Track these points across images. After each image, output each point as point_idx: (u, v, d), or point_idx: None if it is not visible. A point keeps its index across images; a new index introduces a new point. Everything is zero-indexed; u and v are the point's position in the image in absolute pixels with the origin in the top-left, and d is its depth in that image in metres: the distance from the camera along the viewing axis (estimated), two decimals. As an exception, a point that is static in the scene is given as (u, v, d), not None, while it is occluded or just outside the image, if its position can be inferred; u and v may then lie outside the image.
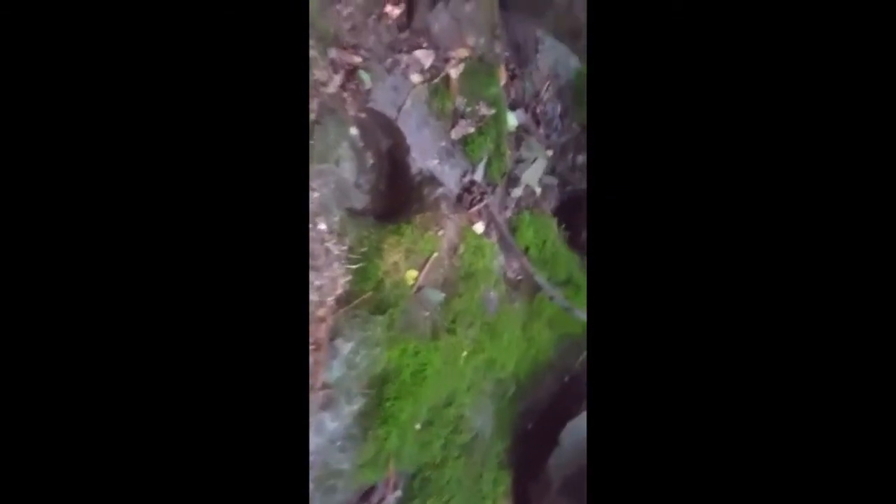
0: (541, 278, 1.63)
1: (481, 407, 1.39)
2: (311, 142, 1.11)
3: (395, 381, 1.19)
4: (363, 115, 1.37)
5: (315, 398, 1.08)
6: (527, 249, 1.66)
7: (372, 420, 1.16)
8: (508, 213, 1.72)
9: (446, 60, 1.48)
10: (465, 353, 1.33)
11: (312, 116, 1.12)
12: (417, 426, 1.25)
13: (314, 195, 1.13)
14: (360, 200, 1.32)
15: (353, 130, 1.37)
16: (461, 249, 1.41)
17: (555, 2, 1.86)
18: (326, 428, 1.12)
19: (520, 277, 1.71)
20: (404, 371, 1.21)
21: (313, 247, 1.11)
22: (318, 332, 1.10)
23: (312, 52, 1.10)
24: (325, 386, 1.11)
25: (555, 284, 1.60)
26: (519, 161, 1.76)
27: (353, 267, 1.18)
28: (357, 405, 1.15)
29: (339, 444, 1.10)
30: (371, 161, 1.40)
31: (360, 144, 1.37)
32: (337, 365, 1.13)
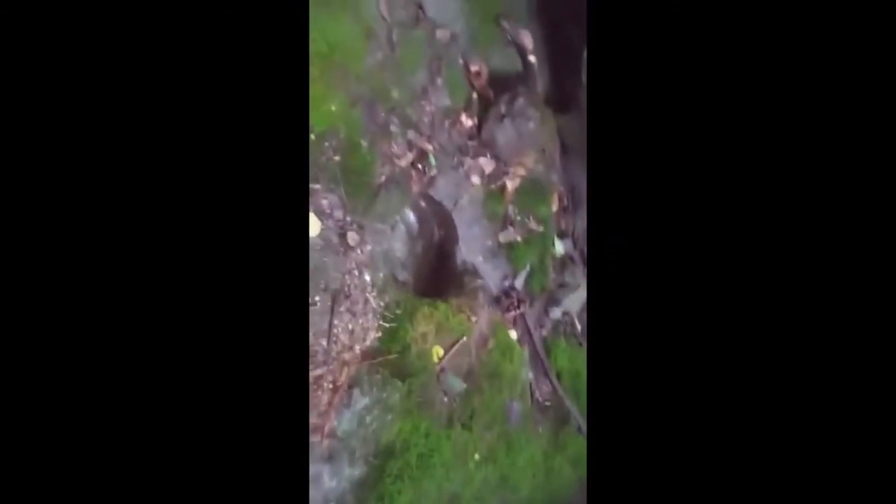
0: (572, 406, 1.68)
1: (486, 526, 1.36)
2: (375, 202, 1.35)
3: (400, 459, 1.23)
4: (423, 204, 1.63)
5: (319, 447, 1.13)
6: (559, 376, 1.73)
7: (369, 493, 1.18)
8: (544, 333, 1.83)
9: (505, 173, 1.76)
10: (476, 456, 1.35)
11: (381, 180, 1.37)
12: (414, 521, 1.23)
13: (367, 248, 1.33)
14: (404, 276, 1.50)
15: (411, 216, 1.61)
16: (490, 344, 1.53)
17: None
18: (323, 483, 1.15)
19: (548, 403, 1.76)
20: (412, 450, 1.26)
21: (354, 294, 1.27)
22: (339, 376, 1.20)
23: (394, 129, 1.41)
24: (331, 434, 1.17)
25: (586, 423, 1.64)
26: (561, 285, 1.92)
27: (386, 325, 1.31)
28: (358, 471, 1.18)
29: None
30: (420, 248, 1.61)
31: (415, 230, 1.60)
32: (348, 417, 1.21)
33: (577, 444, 1.65)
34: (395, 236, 1.61)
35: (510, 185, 1.86)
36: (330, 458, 1.19)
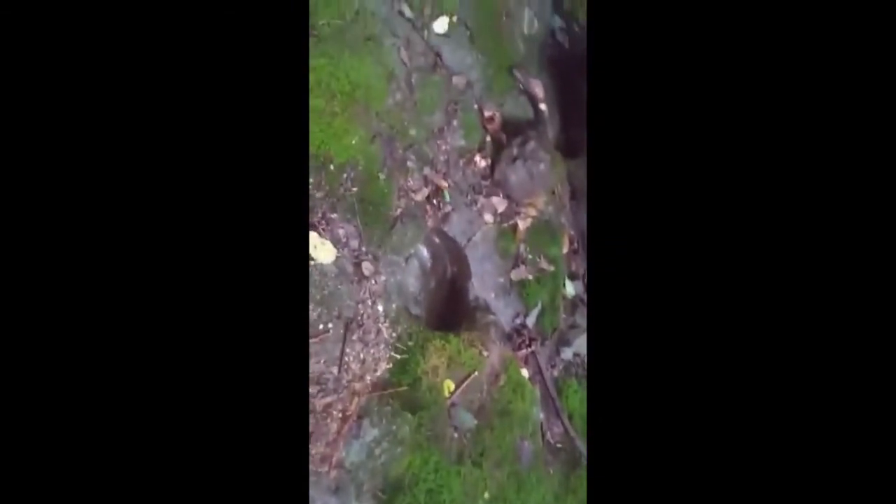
0: (584, 448, 1.67)
1: (495, 570, 1.34)
2: (391, 234, 1.41)
3: (408, 494, 1.23)
4: (436, 240, 1.68)
5: (327, 478, 1.14)
6: (570, 417, 1.74)
7: (375, 528, 1.17)
8: (555, 373, 1.84)
9: (517, 212, 1.83)
10: (486, 495, 1.35)
11: (397, 213, 1.43)
12: (421, 560, 1.22)
13: (381, 279, 1.37)
14: (417, 311, 1.54)
15: (425, 252, 1.66)
16: (502, 380, 1.54)
17: None
18: (328, 514, 1.14)
19: (560, 445, 1.75)
20: (421, 485, 1.26)
21: (367, 323, 1.31)
22: (349, 405, 1.22)
23: (410, 164, 1.48)
24: (339, 465, 1.17)
25: None
26: (572, 326, 1.95)
27: (397, 356, 1.34)
28: (365, 505, 1.18)
29: None
30: (433, 283, 1.65)
31: (428, 266, 1.65)
32: (357, 448, 1.21)
33: (590, 490, 1.62)
34: (409, 271, 1.65)
35: (522, 224, 1.91)
36: (337, 489, 1.19)
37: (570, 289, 2.02)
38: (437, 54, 1.81)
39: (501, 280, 1.78)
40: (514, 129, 1.93)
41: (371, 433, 1.25)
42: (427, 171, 1.63)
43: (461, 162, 1.78)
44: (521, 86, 2.02)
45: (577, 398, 1.78)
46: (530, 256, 1.86)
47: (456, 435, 1.40)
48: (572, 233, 2.15)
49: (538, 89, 2.04)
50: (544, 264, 1.87)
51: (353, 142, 1.43)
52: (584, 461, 1.67)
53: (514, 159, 1.84)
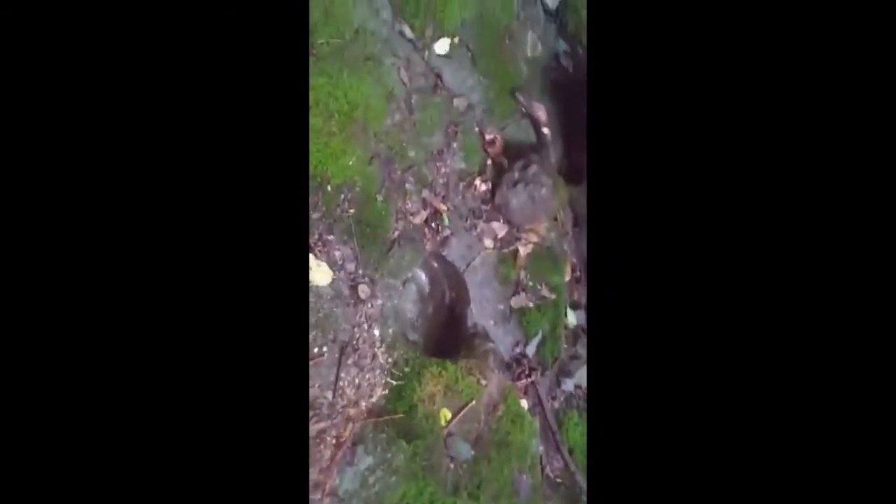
0: (582, 480, 1.64)
1: None
2: (388, 257, 1.41)
3: (402, 526, 1.21)
4: (435, 264, 1.68)
5: None
6: (571, 451, 1.71)
7: (366, 562, 1.15)
8: (556, 405, 1.82)
9: (518, 238, 1.83)
10: (485, 530, 1.32)
11: (395, 235, 1.44)
12: None
13: (377, 302, 1.37)
14: (414, 337, 1.53)
15: (423, 276, 1.66)
16: (500, 411, 1.52)
17: None
18: (318, 546, 1.12)
19: (559, 480, 1.72)
20: (415, 517, 1.23)
21: (363, 348, 1.30)
22: (343, 431, 1.20)
23: (409, 187, 1.49)
24: (332, 493, 1.15)
25: None
26: (574, 357, 1.94)
27: (393, 382, 1.32)
28: (356, 536, 1.16)
29: None
30: (431, 308, 1.65)
31: (426, 291, 1.65)
32: (351, 476, 1.19)
33: (591, 527, 1.58)
34: (406, 296, 1.64)
35: (523, 250, 1.91)
36: (328, 520, 1.16)
37: (572, 318, 2.01)
38: (438, 75, 1.84)
39: (501, 307, 1.77)
40: (515, 153, 1.95)
41: (365, 461, 1.23)
42: (426, 193, 1.64)
43: (461, 185, 1.79)
44: (523, 109, 2.04)
45: (577, 431, 1.75)
46: (531, 283, 1.86)
47: (452, 465, 1.38)
48: (574, 261, 2.15)
49: (541, 113, 2.06)
50: (545, 292, 1.87)
51: (351, 162, 1.44)
52: (584, 497, 1.63)
53: (516, 183, 1.85)
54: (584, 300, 2.15)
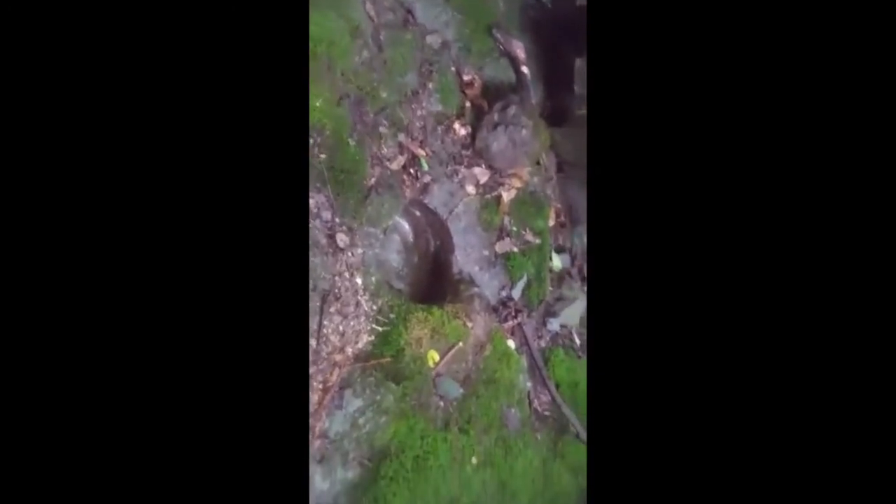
0: (571, 415, 1.70)
1: (485, 535, 1.37)
2: (366, 205, 1.40)
3: (395, 461, 1.26)
4: (417, 213, 1.68)
5: (311, 448, 1.16)
6: (557, 386, 1.76)
7: (363, 495, 1.20)
8: (542, 344, 1.86)
9: (500, 183, 1.82)
10: (474, 460, 1.38)
11: (371, 182, 1.42)
12: (409, 527, 1.25)
13: (357, 251, 1.38)
14: (399, 286, 1.58)
15: (406, 225, 1.66)
16: (487, 351, 1.56)
17: None
18: (316, 486, 1.17)
19: (547, 412, 1.78)
20: (407, 452, 1.28)
21: (345, 296, 1.32)
22: (330, 376, 1.23)
23: (383, 130, 1.46)
24: (322, 435, 1.19)
25: (585, 430, 1.66)
26: (559, 299, 1.96)
27: (379, 329, 1.35)
28: (352, 473, 1.21)
29: None
30: (416, 258, 1.65)
31: (410, 240, 1.65)
32: (340, 419, 1.23)
33: (577, 453, 1.66)
34: (390, 246, 1.65)
35: (506, 195, 1.92)
36: (322, 459, 1.21)
37: (557, 262, 2.04)
38: (409, 10, 1.76)
39: (486, 253, 1.78)
40: (494, 94, 1.91)
41: (354, 403, 1.27)
42: (402, 137, 1.60)
43: (439, 129, 1.76)
44: (501, 47, 1.98)
45: (563, 367, 1.81)
46: (515, 229, 1.87)
47: (441, 404, 1.43)
48: (559, 205, 2.16)
49: (519, 51, 2.01)
50: (530, 237, 1.88)
51: (318, 104, 1.40)
52: (571, 428, 1.70)
53: (496, 126, 1.83)
54: (568, 244, 2.17)
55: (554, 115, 2.09)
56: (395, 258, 1.61)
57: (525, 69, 2.01)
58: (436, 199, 1.70)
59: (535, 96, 2.03)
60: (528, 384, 1.73)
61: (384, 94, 1.55)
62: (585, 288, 2.07)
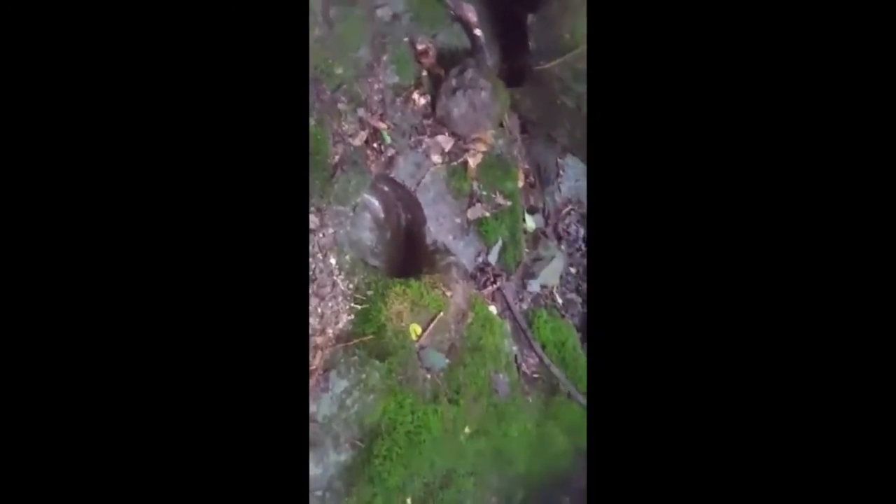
0: (558, 371, 1.67)
1: (485, 502, 1.33)
2: (332, 183, 1.33)
3: (387, 438, 1.21)
4: (385, 188, 1.61)
5: None
6: (543, 347, 1.73)
7: (358, 476, 1.15)
8: (524, 306, 1.82)
9: (465, 150, 1.76)
10: (467, 430, 1.33)
11: (335, 160, 1.35)
12: (408, 501, 1.20)
13: (328, 231, 1.31)
14: (374, 262, 1.53)
15: (375, 202, 1.59)
16: (469, 318, 1.51)
17: (573, 135, 2.15)
18: (308, 471, 1.11)
19: (536, 375, 1.75)
20: (399, 428, 1.23)
21: (321, 277, 1.25)
22: (313, 360, 1.17)
23: (342, 107, 1.39)
24: (311, 420, 1.13)
25: (577, 390, 1.63)
26: (536, 259, 1.93)
27: (357, 307, 1.29)
28: (344, 455, 1.15)
29: (318, 494, 1.08)
30: (389, 234, 1.59)
31: (381, 216, 1.58)
32: (327, 401, 1.18)
33: (570, 413, 1.64)
34: (362, 224, 1.59)
35: (472, 161, 1.86)
36: (313, 444, 1.16)
37: (531, 222, 2.00)
38: None
39: (458, 221, 1.74)
40: (450, 61, 1.84)
41: (340, 384, 1.22)
42: (361, 112, 1.54)
43: (398, 100, 1.70)
44: (452, 13, 1.91)
45: (548, 328, 1.78)
46: (485, 193, 1.82)
47: (429, 376, 1.38)
48: (527, 167, 2.11)
49: (471, 14, 1.94)
50: (500, 200, 1.84)
51: (275, 86, 1.32)
52: (562, 388, 1.68)
53: (454, 91, 1.76)
54: (540, 204, 2.13)
55: (512, 76, 2.03)
56: (367, 236, 1.56)
57: (478, 32, 1.94)
58: (402, 171, 1.65)
59: (490, 58, 1.96)
60: (514, 348, 1.70)
61: (339, 71, 1.50)
62: (562, 246, 2.04)
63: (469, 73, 1.76)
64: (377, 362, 1.28)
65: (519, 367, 1.70)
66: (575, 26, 1.79)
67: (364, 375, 1.24)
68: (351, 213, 1.45)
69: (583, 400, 1.64)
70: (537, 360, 1.78)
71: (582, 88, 1.88)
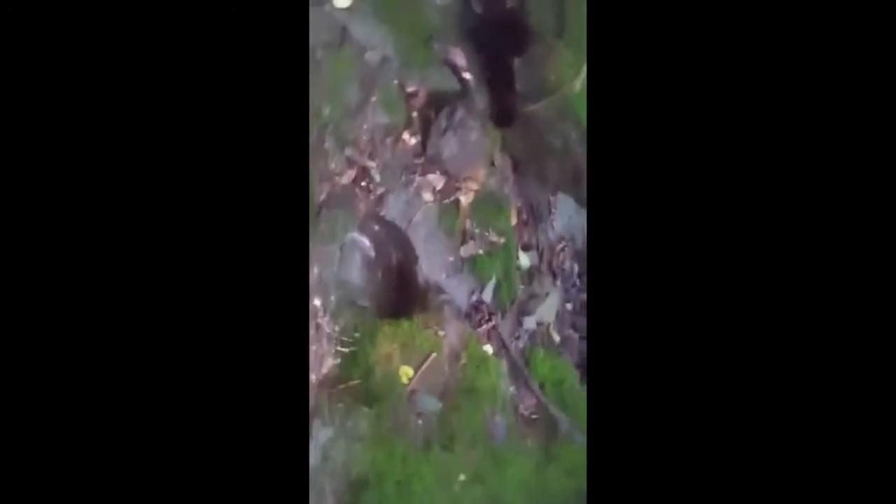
0: (559, 413, 1.61)
1: (483, 555, 1.25)
2: (318, 222, 1.31)
3: (376, 490, 1.14)
4: (375, 227, 1.59)
5: None
6: (542, 386, 1.67)
7: (343, 534, 1.07)
8: (521, 345, 1.78)
9: (457, 188, 1.76)
10: (462, 477, 1.26)
11: (322, 198, 1.33)
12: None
13: (313, 272, 1.27)
14: (364, 302, 1.49)
15: (365, 241, 1.57)
16: (463, 359, 1.46)
17: (564, 172, 2.17)
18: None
19: (535, 416, 1.69)
20: (388, 479, 1.16)
21: (305, 319, 1.20)
22: (295, 407, 1.11)
23: (328, 146, 1.38)
24: (292, 472, 1.06)
25: (577, 430, 1.57)
26: (532, 296, 1.90)
27: (344, 350, 1.24)
28: (328, 511, 1.08)
29: None
30: (380, 273, 1.57)
31: (371, 256, 1.56)
32: (311, 452, 1.11)
33: (571, 453, 1.56)
34: (351, 264, 1.55)
35: (464, 199, 1.85)
36: (295, 498, 1.08)
37: (525, 260, 1.97)
38: (344, 27, 1.72)
39: (451, 259, 1.70)
40: (440, 103, 1.86)
41: (324, 433, 1.15)
42: (349, 151, 1.53)
43: (388, 140, 1.70)
44: (440, 57, 1.95)
45: (546, 366, 1.73)
46: (477, 231, 1.80)
47: (420, 421, 1.32)
48: (519, 204, 2.11)
49: (459, 58, 1.98)
50: (494, 237, 1.82)
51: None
52: (562, 428, 1.61)
53: (445, 131, 1.77)
54: (534, 240, 2.11)
55: (501, 116, 2.06)
56: (356, 276, 1.52)
57: (467, 75, 1.97)
58: (392, 210, 1.63)
59: (479, 101, 1.99)
60: (511, 388, 1.63)
61: (326, 111, 1.51)
62: (557, 282, 2.01)
63: (459, 114, 1.78)
64: (364, 409, 1.22)
65: (516, 409, 1.63)
66: (560, 68, 1.85)
67: (350, 423, 1.18)
68: (338, 253, 1.42)
69: (583, 440, 1.57)
70: (535, 400, 1.71)
71: (568, 127, 1.91)
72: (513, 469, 1.40)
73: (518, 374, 1.70)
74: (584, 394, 1.73)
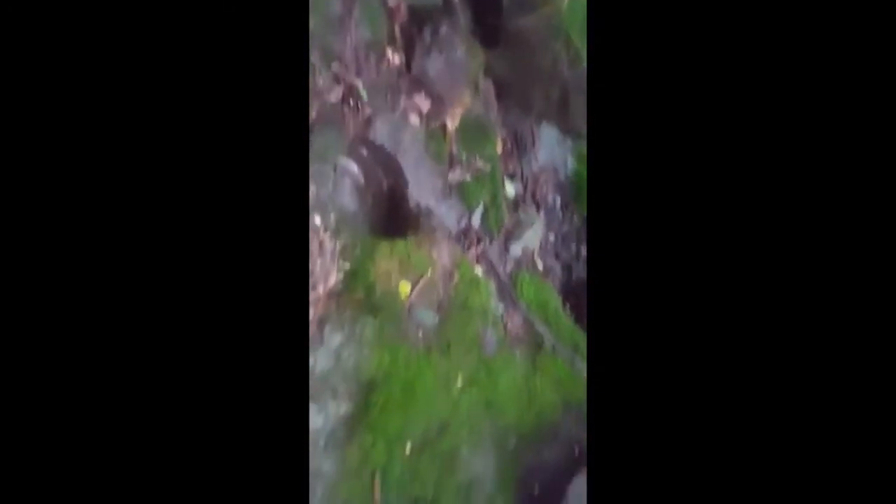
0: (543, 328, 1.78)
1: (480, 450, 1.45)
2: (311, 141, 1.40)
3: (383, 390, 1.30)
4: (364, 151, 1.66)
5: None
6: (528, 307, 1.82)
7: (358, 426, 1.24)
8: (508, 269, 1.91)
9: (443, 111, 1.83)
10: (459, 383, 1.43)
11: (312, 116, 1.40)
12: (407, 449, 1.30)
13: (312, 190, 1.37)
14: (359, 223, 1.60)
15: (354, 166, 1.65)
16: (456, 278, 1.60)
17: (550, 98, 2.21)
18: (311, 424, 1.19)
19: (521, 332, 1.84)
20: (394, 380, 1.32)
21: (309, 236, 1.31)
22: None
23: (314, 61, 1.43)
24: (310, 373, 1.21)
25: (560, 346, 1.74)
26: (518, 224, 2.01)
27: (346, 266, 1.36)
28: (343, 408, 1.24)
29: (321, 443, 1.17)
30: (371, 198, 1.65)
31: (361, 181, 1.64)
32: (324, 355, 1.25)
33: (555, 367, 1.76)
34: (342, 190, 1.64)
35: (450, 123, 1.93)
36: (313, 398, 1.24)
37: (511, 189, 2.08)
38: None
39: (439, 184, 1.81)
40: (423, 19, 1.89)
41: (335, 338, 1.29)
42: (335, 67, 1.57)
43: (372, 58, 1.74)
44: (422, -29, 1.96)
45: (531, 289, 1.89)
46: (464, 156, 1.88)
47: (420, 332, 1.46)
48: (504, 133, 2.18)
49: (441, -29, 1.98)
50: (480, 164, 1.91)
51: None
52: (546, 343, 1.79)
53: (429, 49, 1.82)
54: (518, 171, 2.22)
55: (485, 37, 2.09)
56: (348, 201, 1.61)
57: (450, -11, 1.99)
58: (380, 134, 1.70)
59: (463, 18, 2.02)
60: (500, 306, 1.79)
61: (310, 23, 1.52)
62: (541, 213, 2.13)
63: (444, 31, 1.83)
64: (370, 318, 1.36)
65: (505, 326, 1.79)
66: (550, -21, 1.86)
67: (358, 330, 1.33)
68: (332, 174, 1.51)
69: (568, 355, 1.76)
70: (522, 318, 1.88)
71: (559, 45, 1.95)
72: (504, 377, 1.59)
73: (506, 294, 1.87)
74: (567, 315, 1.91)
